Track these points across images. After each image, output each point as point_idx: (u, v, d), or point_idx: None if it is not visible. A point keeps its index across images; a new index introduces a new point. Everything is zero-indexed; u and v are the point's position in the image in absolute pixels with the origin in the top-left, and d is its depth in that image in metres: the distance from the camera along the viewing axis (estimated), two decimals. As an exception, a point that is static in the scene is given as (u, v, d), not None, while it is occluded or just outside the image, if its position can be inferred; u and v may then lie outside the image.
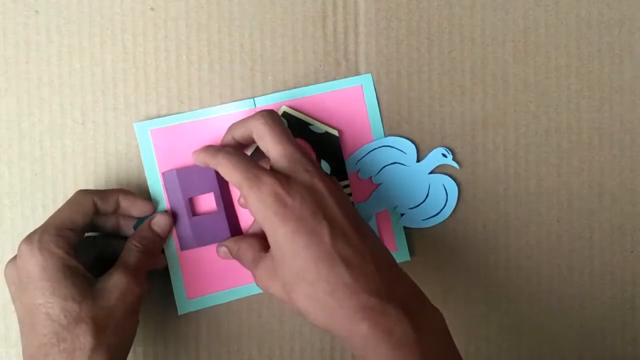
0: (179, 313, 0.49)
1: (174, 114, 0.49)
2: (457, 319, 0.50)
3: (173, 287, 0.49)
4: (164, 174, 0.48)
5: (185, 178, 0.48)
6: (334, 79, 0.49)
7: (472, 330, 0.51)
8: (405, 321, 0.39)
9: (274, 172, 0.43)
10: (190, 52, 0.49)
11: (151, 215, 0.48)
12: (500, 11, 0.50)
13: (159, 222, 0.48)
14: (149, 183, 0.49)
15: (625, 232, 0.50)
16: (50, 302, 0.42)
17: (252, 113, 0.48)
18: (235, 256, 0.47)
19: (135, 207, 0.47)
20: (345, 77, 0.49)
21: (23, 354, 0.43)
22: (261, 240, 0.46)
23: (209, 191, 0.48)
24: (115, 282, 0.44)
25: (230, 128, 0.47)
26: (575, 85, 0.50)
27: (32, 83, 0.49)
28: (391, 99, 0.49)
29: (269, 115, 0.45)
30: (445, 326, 0.42)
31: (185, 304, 0.49)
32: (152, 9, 0.49)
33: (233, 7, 0.49)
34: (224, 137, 0.47)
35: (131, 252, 0.46)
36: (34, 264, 0.42)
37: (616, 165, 0.50)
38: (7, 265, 0.45)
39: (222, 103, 0.49)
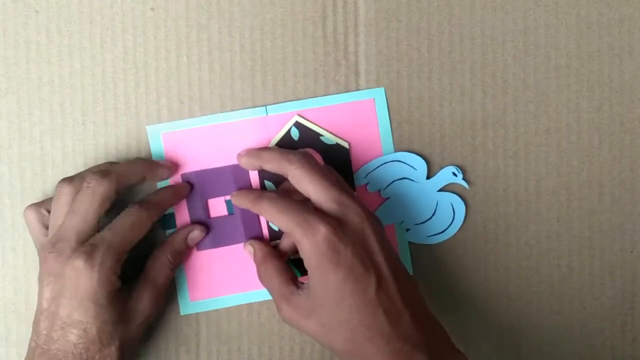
0: (181, 314, 0.49)
1: (186, 119, 0.49)
2: (457, 319, 0.50)
3: (177, 287, 0.49)
4: (183, 175, 0.49)
5: (203, 180, 0.48)
6: (334, 79, 0.49)
7: (472, 330, 0.51)
8: None
9: (325, 216, 0.43)
10: (190, 52, 0.49)
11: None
12: (500, 11, 0.50)
13: (196, 237, 0.49)
14: (158, 185, 0.49)
15: (625, 232, 0.51)
16: (90, 323, 0.43)
17: (264, 121, 0.49)
18: (259, 267, 0.47)
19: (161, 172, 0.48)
20: (345, 76, 0.49)
21: (37, 328, 0.44)
22: (290, 269, 0.46)
23: (225, 194, 0.49)
24: (145, 306, 0.46)
25: (260, 156, 0.47)
26: (575, 85, 0.50)
27: (33, 83, 0.49)
28: (391, 99, 0.49)
29: (303, 158, 0.45)
30: None
31: (188, 305, 0.50)
32: (153, 9, 0.49)
33: (233, 8, 0.49)
34: (252, 161, 0.47)
35: (162, 268, 0.47)
36: (88, 286, 0.43)
37: (616, 165, 0.50)
38: (45, 251, 0.44)
39: (222, 103, 0.49)
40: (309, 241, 0.42)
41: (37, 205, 0.47)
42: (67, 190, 0.45)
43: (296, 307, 0.44)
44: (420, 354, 0.42)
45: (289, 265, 0.47)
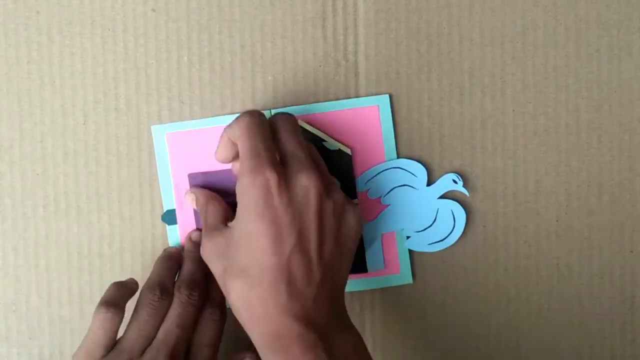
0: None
1: (190, 120, 0.49)
2: (457, 319, 0.50)
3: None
4: (190, 175, 0.49)
5: (208, 182, 0.49)
6: (334, 79, 0.50)
7: (471, 330, 0.51)
8: (319, 347, 0.40)
9: (278, 166, 0.42)
10: (191, 52, 0.49)
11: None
12: (499, 12, 0.50)
13: None
14: (161, 185, 0.49)
15: (625, 232, 0.51)
16: None
17: None
18: (201, 211, 0.47)
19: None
20: (345, 76, 0.50)
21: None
22: (229, 211, 0.46)
23: (229, 198, 0.48)
24: None
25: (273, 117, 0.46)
26: (574, 85, 0.50)
27: (34, 83, 0.49)
28: (390, 100, 0.50)
29: (288, 115, 0.46)
30: (362, 347, 0.42)
31: None
32: (154, 10, 0.49)
33: (234, 9, 0.49)
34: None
35: None
36: None
37: (615, 165, 0.50)
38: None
39: (222, 104, 0.49)
40: (248, 179, 0.41)
41: (115, 308, 0.44)
42: (180, 311, 0.45)
43: (215, 244, 0.43)
44: (311, 332, 0.40)
45: (229, 208, 0.46)
